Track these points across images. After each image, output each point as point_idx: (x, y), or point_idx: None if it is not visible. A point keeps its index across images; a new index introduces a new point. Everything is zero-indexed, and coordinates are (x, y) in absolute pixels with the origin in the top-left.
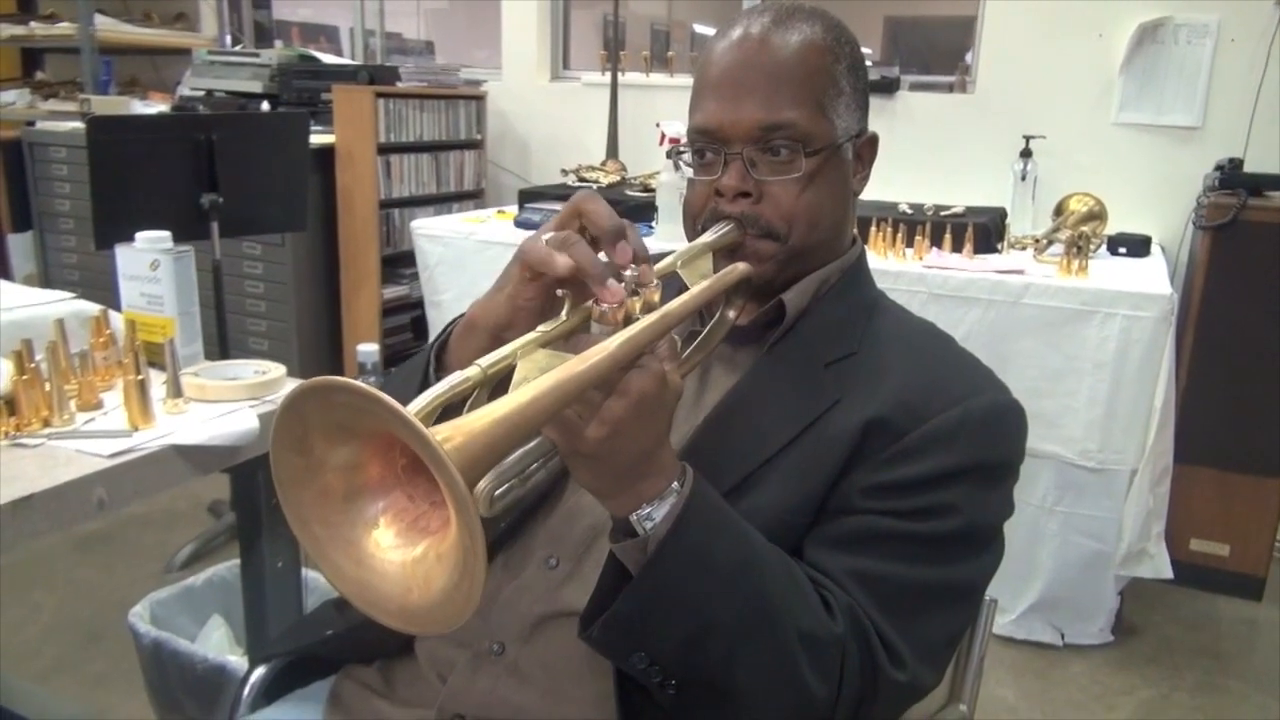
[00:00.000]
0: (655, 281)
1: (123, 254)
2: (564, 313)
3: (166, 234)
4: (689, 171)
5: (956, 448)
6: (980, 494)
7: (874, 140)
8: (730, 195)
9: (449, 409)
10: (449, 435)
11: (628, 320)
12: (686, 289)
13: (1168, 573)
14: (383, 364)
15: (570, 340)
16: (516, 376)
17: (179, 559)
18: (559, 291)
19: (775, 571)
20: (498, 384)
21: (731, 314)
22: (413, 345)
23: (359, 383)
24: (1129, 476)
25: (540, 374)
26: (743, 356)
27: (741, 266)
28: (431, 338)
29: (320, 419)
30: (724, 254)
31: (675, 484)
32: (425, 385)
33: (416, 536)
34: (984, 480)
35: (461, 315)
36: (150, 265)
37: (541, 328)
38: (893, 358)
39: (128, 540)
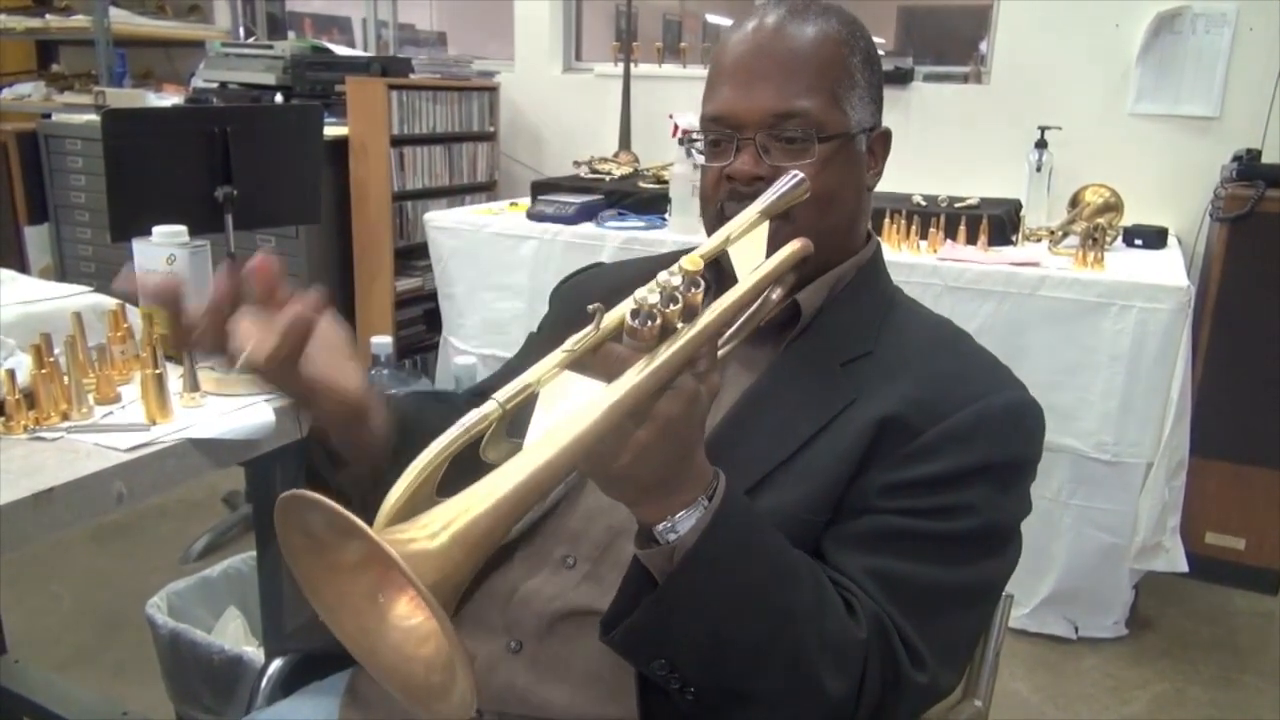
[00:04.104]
0: (699, 284)
1: (139, 248)
2: (593, 325)
3: (182, 228)
4: (700, 159)
5: (973, 446)
6: (998, 493)
7: (887, 135)
8: (744, 179)
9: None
10: (425, 552)
11: (664, 331)
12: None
13: (1183, 566)
14: (396, 355)
15: (599, 352)
16: (539, 409)
17: (195, 550)
18: (590, 307)
19: (801, 581)
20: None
21: (777, 294)
22: (426, 337)
23: (328, 502)
24: (1144, 470)
25: (564, 400)
26: (759, 356)
27: (798, 244)
28: (445, 330)
29: (310, 520)
30: (782, 218)
31: (704, 497)
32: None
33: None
34: (1001, 479)
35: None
36: (166, 260)
37: (567, 344)
38: (909, 355)
39: (144, 531)
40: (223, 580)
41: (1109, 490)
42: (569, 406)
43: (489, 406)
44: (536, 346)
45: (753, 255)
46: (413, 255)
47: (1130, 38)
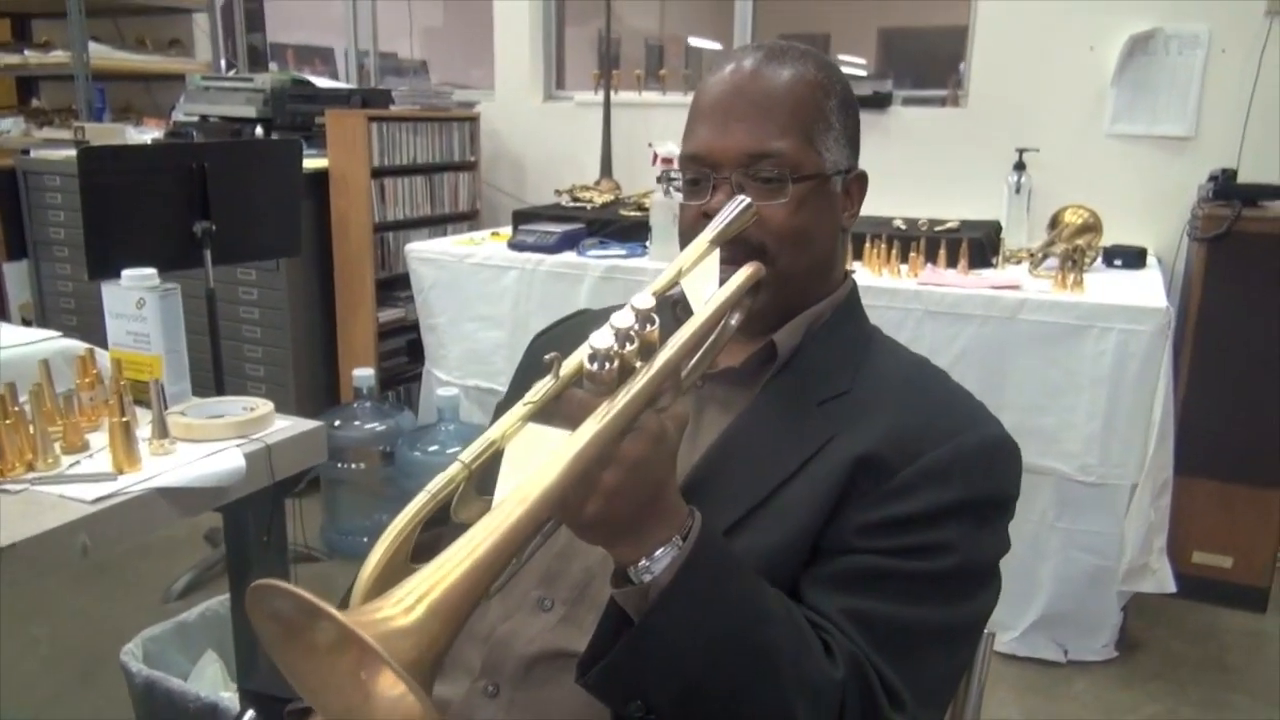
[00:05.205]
0: (654, 321)
1: (108, 292)
2: (552, 374)
3: (152, 271)
4: (679, 197)
5: (950, 484)
6: (975, 531)
7: (863, 178)
8: None
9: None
10: (401, 629)
11: (623, 372)
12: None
13: (1171, 587)
14: (379, 387)
15: (561, 399)
16: (505, 464)
17: (176, 588)
18: (546, 357)
19: (778, 621)
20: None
21: (734, 321)
22: (409, 368)
23: (295, 590)
24: (1129, 491)
25: (530, 453)
26: (737, 397)
27: (750, 268)
28: (428, 361)
29: (281, 606)
30: (733, 247)
31: (679, 536)
32: None
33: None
34: (979, 517)
35: None
36: (136, 303)
37: (528, 396)
38: (886, 394)
39: (125, 569)
40: (200, 623)
41: (1095, 512)
42: (535, 459)
43: (454, 468)
44: (511, 397)
45: (706, 285)
46: (395, 286)
47: (1105, 59)
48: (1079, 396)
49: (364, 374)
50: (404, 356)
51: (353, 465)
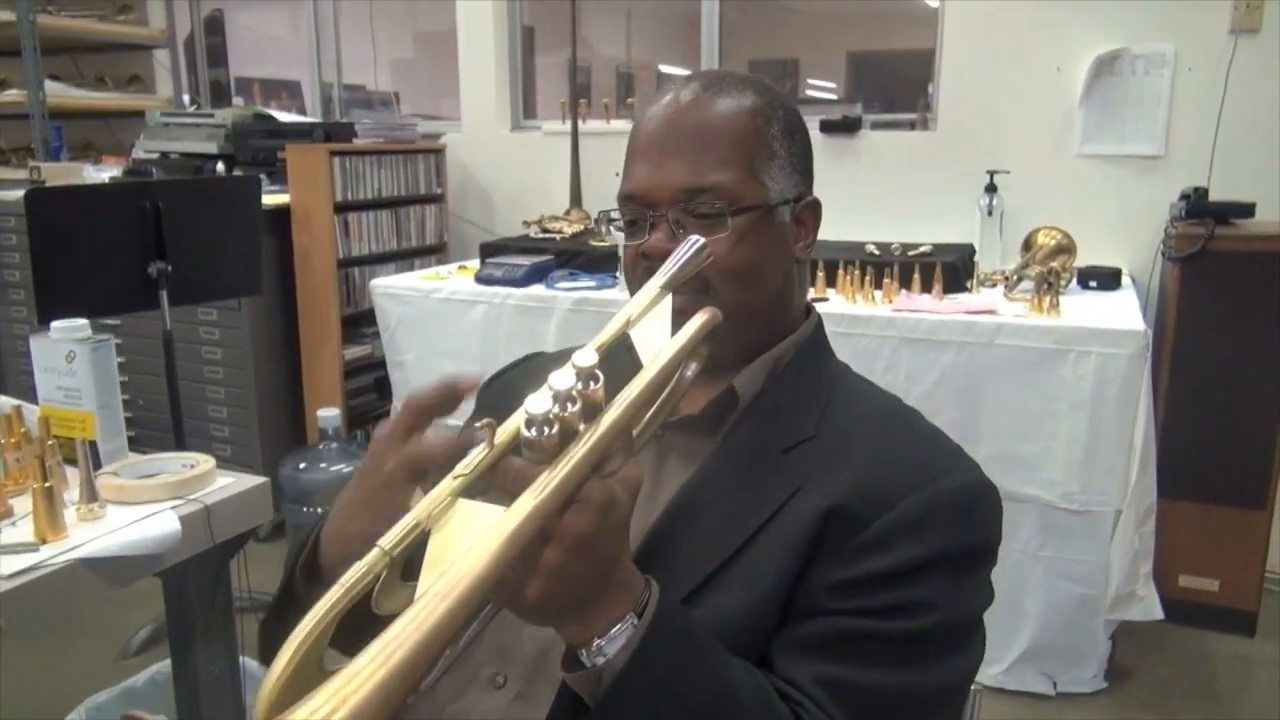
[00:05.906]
0: (598, 378)
1: (36, 345)
2: (485, 443)
3: (84, 323)
4: (620, 237)
5: (925, 536)
6: (955, 584)
7: (816, 205)
8: (658, 256)
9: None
10: None
11: (565, 437)
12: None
13: (1159, 614)
14: (345, 427)
15: (497, 468)
16: (432, 547)
17: (135, 643)
18: (478, 425)
19: (745, 698)
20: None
21: (691, 371)
22: (377, 406)
23: None
24: (1113, 518)
25: (460, 533)
26: (697, 447)
27: (706, 314)
28: (395, 400)
29: None
30: (690, 289)
31: (633, 613)
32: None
33: None
34: (958, 569)
35: (323, 519)
36: (66, 357)
37: (457, 469)
38: (854, 438)
39: (83, 621)
40: (148, 688)
41: (1079, 540)
42: (466, 540)
43: (372, 555)
44: None
45: (657, 334)
46: (361, 322)
47: (1072, 80)
48: (1059, 422)
49: (329, 414)
50: (372, 394)
51: (319, 509)
